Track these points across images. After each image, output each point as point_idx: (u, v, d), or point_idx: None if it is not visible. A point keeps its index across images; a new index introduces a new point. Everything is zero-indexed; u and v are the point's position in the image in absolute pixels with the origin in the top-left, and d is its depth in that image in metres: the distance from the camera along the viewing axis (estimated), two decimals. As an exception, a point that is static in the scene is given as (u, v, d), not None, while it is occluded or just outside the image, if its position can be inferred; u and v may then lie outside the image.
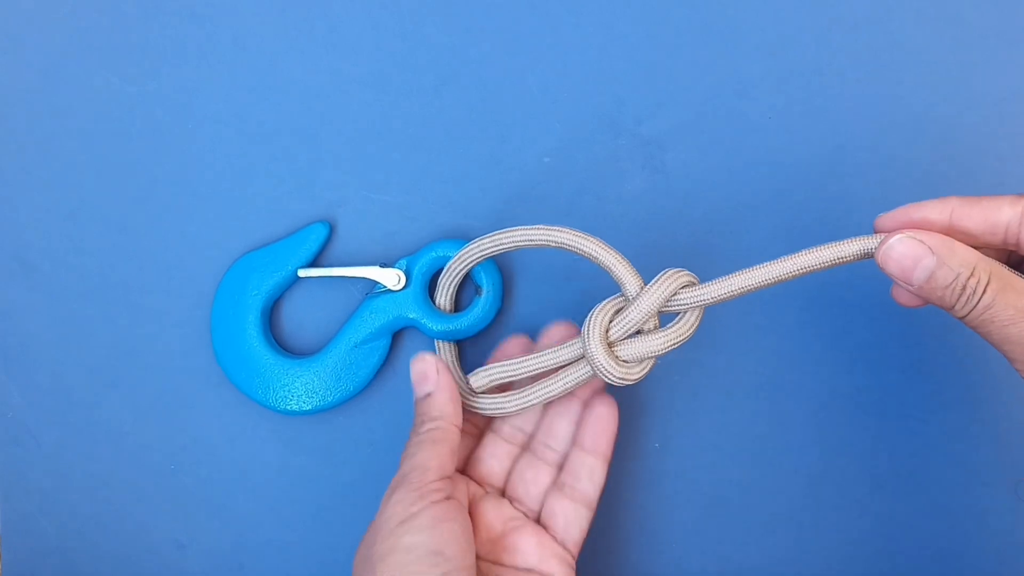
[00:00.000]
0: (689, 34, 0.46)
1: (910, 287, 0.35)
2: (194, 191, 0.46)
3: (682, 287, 0.37)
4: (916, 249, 0.34)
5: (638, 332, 0.38)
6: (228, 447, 0.47)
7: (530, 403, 0.40)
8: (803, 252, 0.36)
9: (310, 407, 0.45)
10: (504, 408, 0.41)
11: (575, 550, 0.41)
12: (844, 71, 0.45)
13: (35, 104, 0.47)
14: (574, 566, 0.41)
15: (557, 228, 0.39)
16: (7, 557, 0.48)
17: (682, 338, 0.38)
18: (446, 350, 0.44)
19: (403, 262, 0.44)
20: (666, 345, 0.38)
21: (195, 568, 0.47)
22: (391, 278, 0.44)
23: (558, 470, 0.42)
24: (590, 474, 0.42)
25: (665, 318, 0.39)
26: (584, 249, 0.38)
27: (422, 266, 0.44)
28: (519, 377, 0.41)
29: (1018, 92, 0.45)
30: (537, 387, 0.40)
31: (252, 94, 0.46)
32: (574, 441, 0.42)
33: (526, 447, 0.43)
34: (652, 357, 0.38)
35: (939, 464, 0.45)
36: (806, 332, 0.45)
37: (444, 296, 0.44)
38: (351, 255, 0.46)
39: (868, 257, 0.36)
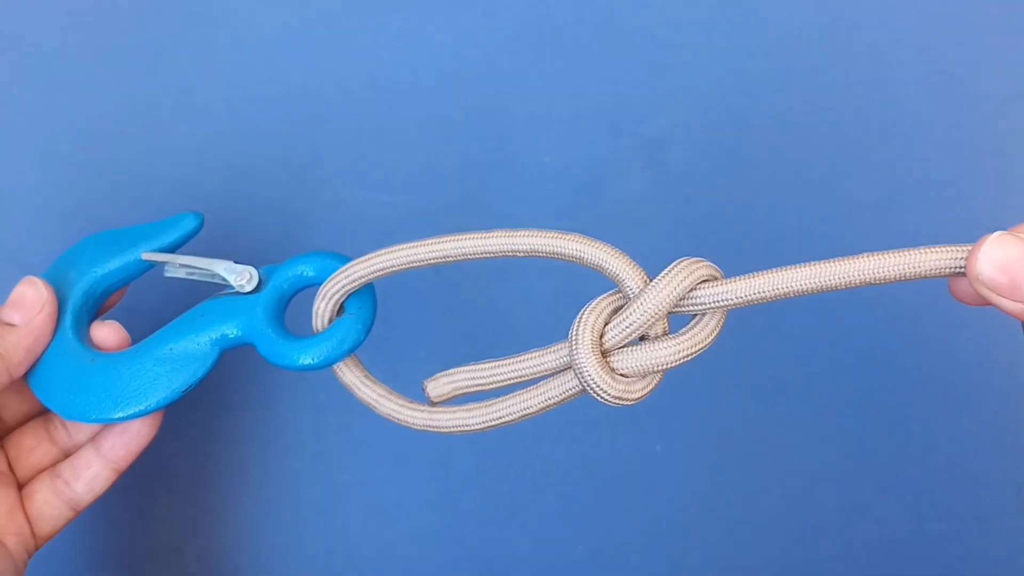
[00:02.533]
0: (691, 33, 0.45)
1: (1017, 301, 0.27)
2: (193, 192, 0.46)
3: (700, 282, 0.30)
4: (1021, 249, 0.27)
5: (642, 338, 0.31)
6: (225, 449, 0.46)
7: (502, 420, 0.33)
8: (866, 256, 0.29)
9: (86, 415, 0.35)
10: (467, 424, 0.33)
11: (41, 541, 0.37)
12: (846, 70, 0.45)
13: (33, 104, 0.46)
14: (32, 553, 0.36)
15: (521, 232, 0.32)
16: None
17: (699, 347, 0.30)
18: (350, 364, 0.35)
19: (267, 269, 0.36)
20: (678, 356, 0.30)
21: (193, 571, 0.47)
22: (238, 276, 0.35)
23: (63, 455, 0.38)
24: (91, 480, 0.37)
25: (676, 323, 0.32)
26: (564, 251, 0.31)
27: (282, 277, 0.35)
28: (489, 387, 0.33)
29: (1022, 91, 0.45)
30: (512, 401, 0.32)
31: (250, 94, 0.46)
32: (92, 436, 0.38)
33: (43, 411, 0.38)
34: (660, 371, 0.31)
35: (942, 467, 0.45)
36: (809, 333, 0.45)
37: (321, 318, 0.35)
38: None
39: (953, 274, 0.29)
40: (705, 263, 0.31)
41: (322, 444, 0.46)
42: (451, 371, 0.34)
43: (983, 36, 0.45)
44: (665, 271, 0.30)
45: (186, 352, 0.35)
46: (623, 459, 0.45)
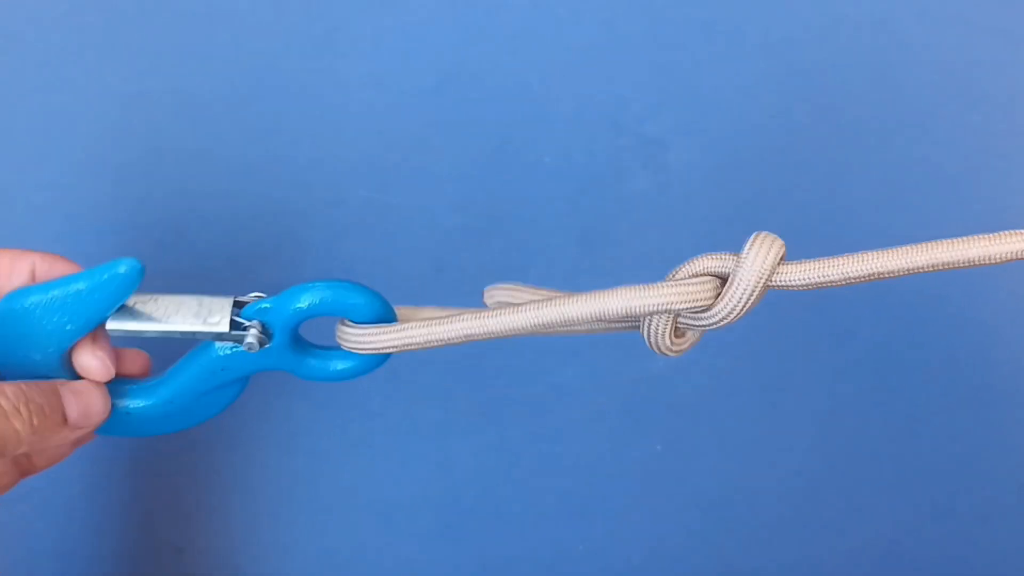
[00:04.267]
0: (691, 33, 0.45)
1: None
2: (193, 192, 0.46)
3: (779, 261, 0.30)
4: None
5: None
6: (225, 449, 0.46)
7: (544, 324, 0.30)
8: (941, 242, 0.29)
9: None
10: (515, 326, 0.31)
11: None
12: (847, 70, 0.45)
13: (33, 104, 0.46)
14: None
15: (604, 294, 0.30)
16: (4, 561, 0.48)
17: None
18: None
19: (267, 303, 0.32)
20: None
21: (193, 571, 0.47)
22: (246, 340, 0.32)
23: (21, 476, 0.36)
24: None
25: None
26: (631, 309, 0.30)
27: (284, 315, 0.32)
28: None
29: (1022, 91, 0.45)
30: (562, 302, 0.30)
31: (250, 94, 0.46)
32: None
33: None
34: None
35: (944, 466, 0.45)
36: (811, 334, 0.45)
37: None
38: (351, 257, 0.46)
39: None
40: (776, 239, 0.31)
41: (322, 444, 0.46)
42: (510, 286, 0.32)
43: (983, 36, 0.45)
44: (749, 246, 0.31)
45: (216, 394, 0.34)
46: (623, 458, 0.45)
